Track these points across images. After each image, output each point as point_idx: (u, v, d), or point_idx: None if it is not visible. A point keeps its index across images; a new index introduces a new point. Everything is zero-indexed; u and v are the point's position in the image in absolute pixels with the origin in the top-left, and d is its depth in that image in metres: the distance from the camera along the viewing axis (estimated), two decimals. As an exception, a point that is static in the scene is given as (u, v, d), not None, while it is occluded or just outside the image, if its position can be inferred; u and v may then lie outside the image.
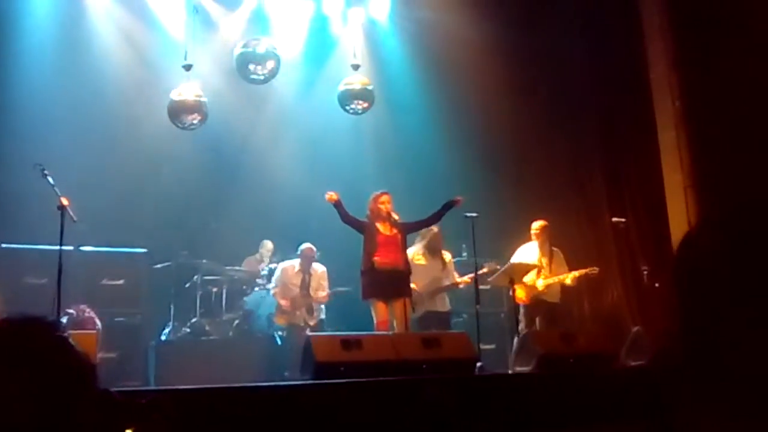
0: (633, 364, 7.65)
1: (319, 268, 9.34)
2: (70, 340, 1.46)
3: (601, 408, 5.06)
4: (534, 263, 8.78)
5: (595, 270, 8.78)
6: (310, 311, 9.20)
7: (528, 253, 8.81)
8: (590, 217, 10.57)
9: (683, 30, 9.04)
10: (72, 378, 1.39)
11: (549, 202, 10.30)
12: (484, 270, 8.90)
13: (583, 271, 8.74)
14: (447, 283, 8.77)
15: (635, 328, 8.70)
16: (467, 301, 8.96)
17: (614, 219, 9.44)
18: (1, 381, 1.33)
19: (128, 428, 1.54)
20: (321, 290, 9.25)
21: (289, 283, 9.22)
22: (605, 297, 10.18)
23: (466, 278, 8.85)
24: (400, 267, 7.64)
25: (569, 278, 8.73)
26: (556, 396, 5.31)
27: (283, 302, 9.15)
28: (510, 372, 7.15)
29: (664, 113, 9.32)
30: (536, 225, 8.92)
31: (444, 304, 8.76)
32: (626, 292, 9.92)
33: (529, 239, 8.92)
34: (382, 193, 7.87)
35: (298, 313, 9.14)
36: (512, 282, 8.54)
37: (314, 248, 9.29)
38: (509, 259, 8.84)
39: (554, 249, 8.91)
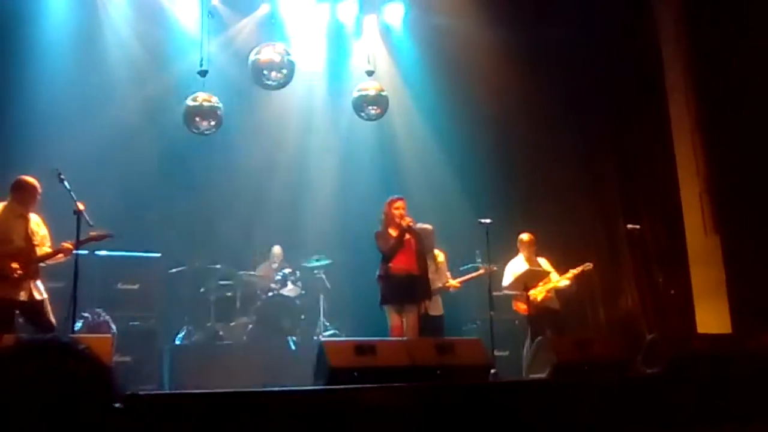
0: (648, 371, 7.59)
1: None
2: (84, 354, 1.46)
3: (615, 415, 5.03)
4: (547, 270, 8.76)
5: (589, 265, 8.71)
6: None
7: (518, 267, 8.76)
8: (605, 224, 10.52)
9: (699, 31, 8.99)
10: (87, 397, 1.40)
11: (563, 209, 10.27)
12: (480, 272, 8.90)
13: (578, 269, 8.69)
14: (439, 285, 8.46)
15: (650, 335, 8.64)
16: (481, 307, 8.93)
17: (629, 226, 9.39)
18: (18, 403, 1.34)
19: None
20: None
21: None
22: (620, 304, 10.14)
23: (457, 282, 8.82)
24: (414, 272, 7.61)
25: (566, 278, 8.70)
26: (571, 403, 5.28)
27: None
28: (524, 379, 7.12)
29: (679, 118, 9.28)
30: (524, 237, 8.88)
31: (437, 307, 8.33)
32: (641, 298, 9.86)
33: (516, 252, 8.89)
34: (397, 199, 7.82)
35: None
36: (527, 289, 8.52)
37: None
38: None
39: (540, 259, 8.88)
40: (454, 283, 8.77)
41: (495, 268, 8.76)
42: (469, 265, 9.34)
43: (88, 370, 1.43)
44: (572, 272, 8.71)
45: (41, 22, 9.37)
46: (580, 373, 6.31)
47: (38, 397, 1.34)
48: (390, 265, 7.54)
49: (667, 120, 9.39)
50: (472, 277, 8.99)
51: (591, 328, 10.03)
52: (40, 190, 6.64)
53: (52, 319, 6.53)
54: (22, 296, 6.39)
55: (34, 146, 8.48)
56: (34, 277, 6.51)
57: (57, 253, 6.57)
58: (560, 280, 8.72)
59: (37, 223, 6.70)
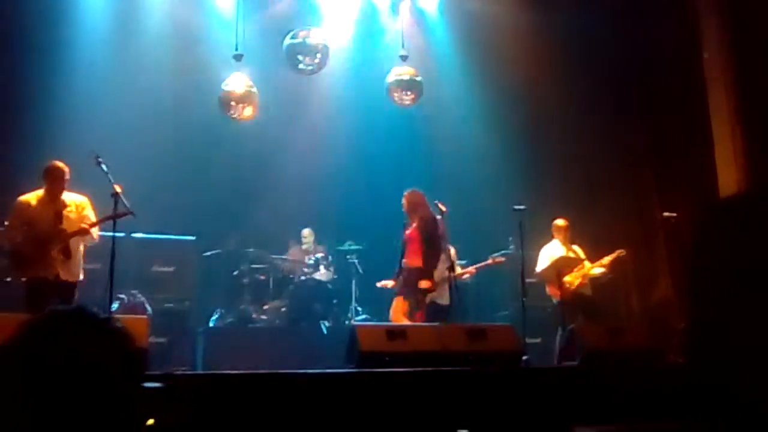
0: (680, 361, 7.53)
1: None
2: (118, 328, 1.48)
3: (647, 405, 5.00)
4: (579, 257, 8.73)
5: (622, 252, 8.72)
6: None
7: (555, 251, 8.75)
8: (639, 212, 10.40)
9: (739, 10, 8.78)
10: (116, 371, 1.41)
11: (597, 196, 10.18)
12: (488, 262, 8.94)
13: (612, 256, 8.70)
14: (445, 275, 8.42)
15: (683, 325, 8.56)
16: (513, 294, 8.92)
17: (665, 214, 9.27)
18: (49, 373, 1.37)
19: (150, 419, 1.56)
20: None
21: None
22: (654, 293, 10.03)
23: (466, 270, 8.89)
24: (410, 265, 7.87)
25: (601, 265, 8.68)
26: (602, 391, 5.26)
27: None
28: (555, 366, 7.11)
29: (718, 104, 9.10)
30: (560, 223, 8.89)
31: (444, 297, 8.26)
32: (675, 287, 9.75)
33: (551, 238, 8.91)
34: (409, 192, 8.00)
35: None
36: (560, 276, 8.48)
37: None
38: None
39: (574, 246, 8.88)
40: (462, 272, 8.85)
41: (503, 260, 8.98)
42: (502, 251, 9.31)
43: (122, 349, 1.44)
44: (607, 259, 8.69)
45: (79, 10, 9.50)
46: (612, 361, 6.28)
47: (68, 373, 1.36)
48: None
49: (705, 106, 9.22)
50: (481, 267, 9.01)
51: (624, 316, 9.94)
52: (65, 172, 6.80)
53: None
54: (50, 276, 6.54)
55: (73, 130, 8.61)
56: (63, 258, 6.63)
57: (74, 235, 6.67)
58: (594, 267, 8.69)
59: (76, 205, 6.83)
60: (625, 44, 10.19)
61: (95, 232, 6.82)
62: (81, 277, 6.86)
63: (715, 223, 1.16)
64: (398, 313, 7.79)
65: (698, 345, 1.12)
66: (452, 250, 8.70)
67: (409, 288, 7.86)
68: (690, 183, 9.72)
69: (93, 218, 6.81)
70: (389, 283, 8.34)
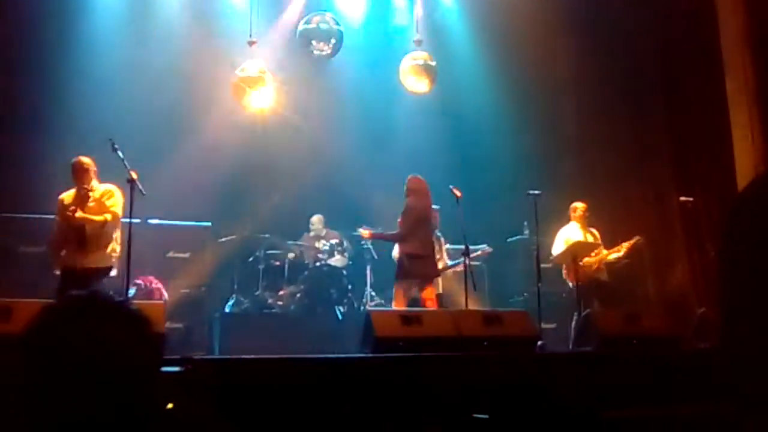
0: (699, 346, 7.50)
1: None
2: (136, 314, 1.49)
3: (664, 390, 4.98)
4: (595, 242, 8.69)
5: (640, 239, 8.69)
6: None
7: (572, 233, 8.71)
8: (656, 196, 10.33)
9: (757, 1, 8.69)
10: (134, 355, 1.42)
11: (613, 181, 10.11)
12: (478, 254, 8.94)
13: (630, 243, 8.67)
14: (439, 266, 8.53)
15: (701, 310, 8.51)
16: (528, 279, 8.90)
17: (682, 198, 9.21)
18: (66, 358, 1.37)
19: (169, 403, 1.56)
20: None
21: None
22: (671, 278, 9.97)
23: (455, 263, 8.87)
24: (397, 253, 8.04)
25: (618, 251, 8.64)
26: (618, 377, 5.24)
27: None
28: (570, 351, 7.09)
29: (736, 90, 9.01)
30: (578, 206, 8.85)
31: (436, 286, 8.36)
32: (693, 273, 9.69)
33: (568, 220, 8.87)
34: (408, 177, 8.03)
35: None
36: (575, 260, 8.45)
37: None
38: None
39: (591, 229, 8.83)
40: (450, 263, 8.92)
41: (491, 250, 9.11)
42: (517, 237, 9.28)
43: (138, 333, 1.45)
44: (624, 246, 8.65)
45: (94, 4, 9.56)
46: (628, 346, 6.26)
47: (86, 357, 1.36)
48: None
49: (723, 91, 9.13)
50: (474, 257, 8.97)
51: (640, 301, 9.90)
52: (86, 165, 6.91)
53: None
54: (74, 265, 6.67)
55: (90, 117, 8.68)
56: (77, 247, 6.73)
57: (80, 222, 6.75)
58: (611, 253, 8.66)
59: (100, 194, 6.94)
60: (642, 28, 10.08)
61: (95, 216, 6.80)
62: (108, 263, 6.92)
63: (745, 209, 1.14)
64: (400, 305, 7.75)
65: (734, 332, 1.11)
66: (442, 240, 8.71)
67: (399, 276, 7.83)
68: (707, 168, 9.64)
69: (115, 206, 6.89)
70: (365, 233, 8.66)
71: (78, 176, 6.90)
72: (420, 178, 8.02)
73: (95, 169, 6.97)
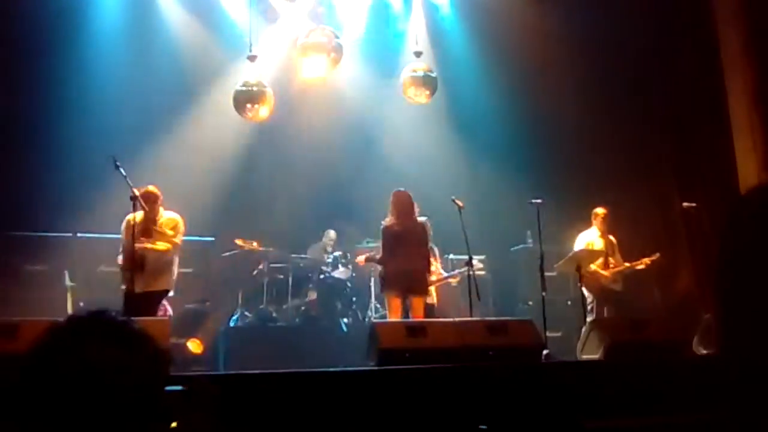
0: (705, 352, 7.47)
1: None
2: (141, 333, 1.48)
3: (671, 397, 4.96)
4: (601, 250, 8.68)
5: (658, 256, 8.73)
6: None
7: (591, 239, 8.71)
8: (659, 203, 10.31)
9: (757, 6, 8.70)
10: (137, 374, 1.42)
11: (616, 188, 10.09)
12: (480, 265, 8.92)
13: (652, 258, 8.67)
14: (432, 278, 8.47)
15: (707, 316, 8.48)
16: (533, 288, 8.87)
17: (685, 204, 9.20)
18: (70, 378, 1.37)
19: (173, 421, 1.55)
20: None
21: None
22: (676, 284, 9.95)
23: (449, 275, 8.88)
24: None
25: (640, 266, 8.66)
26: (625, 384, 5.22)
27: None
28: (577, 359, 7.06)
29: (737, 94, 9.01)
30: (600, 211, 8.85)
31: (430, 296, 8.38)
32: (698, 278, 9.66)
33: (588, 225, 8.83)
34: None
35: None
36: (579, 269, 8.43)
37: None
38: (571, 245, 8.75)
39: (610, 236, 8.82)
40: (442, 276, 8.90)
41: (481, 265, 8.89)
42: (520, 245, 9.26)
43: (142, 351, 1.45)
44: (645, 261, 8.67)
45: (95, 13, 9.58)
46: (635, 354, 6.23)
47: (89, 377, 1.36)
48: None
49: (724, 96, 9.14)
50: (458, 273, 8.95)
51: (647, 308, 9.87)
52: (154, 195, 7.17)
53: (156, 312, 7.15)
54: (133, 288, 6.83)
55: (91, 134, 8.70)
56: (136, 271, 6.89)
57: (140, 249, 6.94)
58: (632, 267, 8.71)
59: (162, 223, 7.20)
60: (642, 33, 10.09)
61: (157, 246, 7.07)
62: (165, 286, 7.20)
63: (744, 212, 1.14)
64: (394, 313, 7.72)
65: (733, 338, 1.10)
66: (436, 251, 8.69)
67: (388, 287, 7.81)
68: (710, 173, 9.63)
69: (177, 237, 7.24)
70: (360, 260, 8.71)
71: (148, 204, 7.07)
72: (402, 192, 7.90)
73: (161, 197, 7.21)
